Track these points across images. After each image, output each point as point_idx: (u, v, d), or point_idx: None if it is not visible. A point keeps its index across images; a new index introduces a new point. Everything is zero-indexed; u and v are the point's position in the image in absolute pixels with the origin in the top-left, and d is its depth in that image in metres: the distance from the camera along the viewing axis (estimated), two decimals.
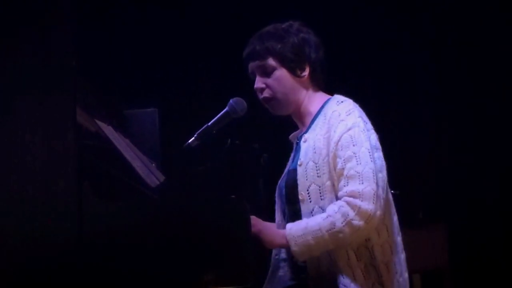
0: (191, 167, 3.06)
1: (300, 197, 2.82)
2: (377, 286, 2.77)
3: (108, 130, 2.90)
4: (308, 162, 2.82)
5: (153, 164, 3.25)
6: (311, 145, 2.84)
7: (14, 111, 2.46)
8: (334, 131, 2.79)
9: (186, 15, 5.29)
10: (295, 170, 2.86)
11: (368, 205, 2.69)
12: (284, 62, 2.90)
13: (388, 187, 2.85)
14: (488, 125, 5.33)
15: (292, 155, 3.05)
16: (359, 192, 2.70)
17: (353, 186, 2.72)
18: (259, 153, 3.08)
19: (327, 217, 2.73)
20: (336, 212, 2.71)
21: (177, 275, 2.49)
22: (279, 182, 3.02)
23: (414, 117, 5.48)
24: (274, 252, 2.99)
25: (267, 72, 2.92)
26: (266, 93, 2.94)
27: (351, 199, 2.71)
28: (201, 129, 3.01)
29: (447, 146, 5.43)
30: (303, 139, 2.90)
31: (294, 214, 2.87)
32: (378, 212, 2.72)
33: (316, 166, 2.80)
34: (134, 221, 2.50)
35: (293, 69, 2.91)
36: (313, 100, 2.95)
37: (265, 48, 2.91)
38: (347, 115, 2.81)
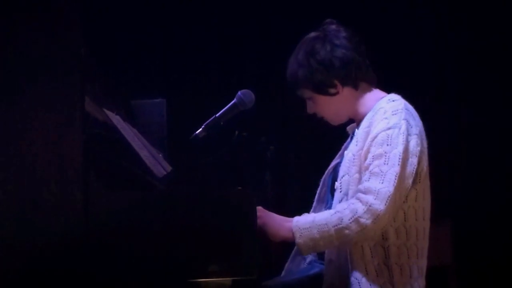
0: (198, 158, 3.06)
1: (335, 187, 2.85)
2: (388, 285, 2.76)
3: (116, 120, 2.90)
4: (348, 154, 2.85)
5: (160, 155, 3.25)
6: (355, 138, 2.85)
7: (22, 100, 2.46)
8: (375, 127, 2.78)
9: (195, 5, 5.27)
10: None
11: (379, 205, 2.69)
12: (316, 90, 2.89)
13: (423, 192, 2.83)
14: (494, 123, 5.31)
15: (345, 146, 3.04)
16: (375, 190, 2.70)
17: (372, 183, 2.71)
18: (266, 145, 3.08)
19: (335, 212, 2.73)
20: (345, 209, 2.72)
21: (182, 265, 2.50)
22: (328, 169, 3.04)
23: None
24: None
25: (308, 98, 2.94)
26: (319, 115, 2.97)
27: (363, 195, 2.71)
28: (209, 121, 3.01)
29: (454, 143, 5.42)
30: (355, 134, 2.90)
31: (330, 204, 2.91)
32: (388, 215, 2.70)
33: (354, 158, 2.81)
34: (141, 211, 2.50)
35: (326, 91, 2.89)
36: (365, 101, 2.92)
37: (295, 81, 2.91)
38: (392, 114, 2.79)
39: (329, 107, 2.92)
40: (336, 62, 2.87)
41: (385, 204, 2.69)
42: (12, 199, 2.43)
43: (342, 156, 2.98)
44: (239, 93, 3.03)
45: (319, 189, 3.06)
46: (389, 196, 2.69)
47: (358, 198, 2.71)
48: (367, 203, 2.69)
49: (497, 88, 5.24)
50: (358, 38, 2.94)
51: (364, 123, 2.85)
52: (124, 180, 2.68)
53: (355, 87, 2.91)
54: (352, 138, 2.94)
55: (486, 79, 5.26)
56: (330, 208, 2.88)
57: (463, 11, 5.20)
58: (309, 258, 3.00)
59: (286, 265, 3.05)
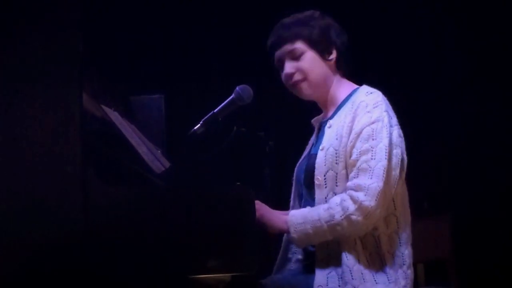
0: (197, 154, 3.06)
1: (316, 182, 2.84)
2: (381, 274, 2.79)
3: (114, 116, 2.91)
4: (329, 148, 2.84)
5: (159, 151, 3.26)
6: (335, 131, 2.86)
7: (21, 98, 2.46)
8: (358, 121, 2.81)
9: (194, 2, 5.27)
10: (316, 154, 2.87)
11: (370, 202, 2.72)
12: (313, 44, 2.92)
13: (403, 179, 2.86)
14: (495, 118, 5.31)
15: (312, 139, 3.07)
16: (365, 186, 2.72)
17: (362, 179, 2.74)
18: (265, 141, 3.08)
19: (328, 208, 2.75)
20: (337, 205, 2.74)
21: (181, 261, 2.50)
22: (297, 165, 3.05)
23: (420, 108, 5.46)
24: (285, 234, 2.99)
25: (296, 56, 2.94)
26: (297, 76, 2.95)
27: (354, 192, 2.73)
28: (207, 116, 3.01)
29: (454, 137, 5.42)
30: (328, 125, 2.92)
31: (309, 198, 2.90)
32: (379, 210, 2.74)
33: (336, 153, 2.82)
34: (140, 207, 2.50)
35: (322, 52, 2.94)
36: (340, 86, 2.97)
37: (292, 33, 2.93)
38: (374, 108, 2.82)
39: (316, 67, 2.93)
40: (339, 37, 2.96)
41: (376, 200, 2.72)
42: (11, 197, 2.43)
43: (309, 150, 2.99)
44: (237, 88, 3.03)
45: (293, 187, 3.07)
46: (379, 192, 2.72)
47: (349, 195, 2.74)
48: (357, 200, 2.72)
49: (498, 86, 5.26)
50: None
51: (343, 117, 2.86)
52: (123, 176, 2.68)
53: (342, 68, 2.97)
54: (321, 130, 2.95)
55: (486, 78, 5.27)
56: (306, 204, 2.90)
57: (463, 11, 5.21)
58: (296, 257, 3.01)
59: (275, 266, 3.05)
